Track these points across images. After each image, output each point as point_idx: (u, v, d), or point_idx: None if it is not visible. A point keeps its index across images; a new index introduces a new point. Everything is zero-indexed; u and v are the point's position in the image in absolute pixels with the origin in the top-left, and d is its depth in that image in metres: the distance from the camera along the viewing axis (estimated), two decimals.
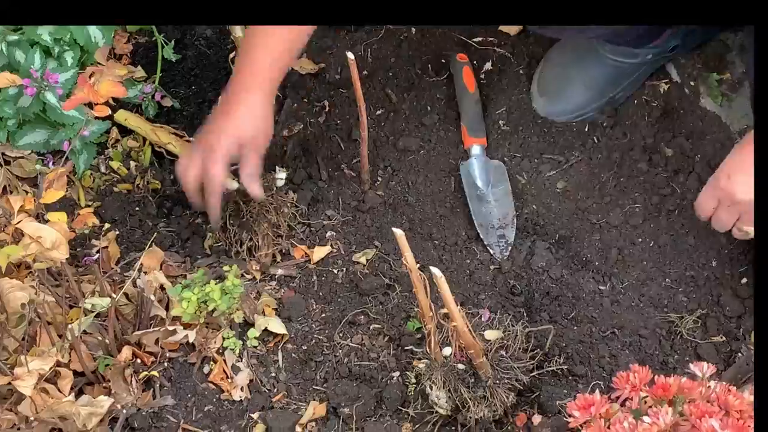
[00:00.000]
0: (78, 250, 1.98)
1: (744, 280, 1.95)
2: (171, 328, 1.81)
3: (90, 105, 2.00)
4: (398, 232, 1.56)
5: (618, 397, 1.43)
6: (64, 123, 2.03)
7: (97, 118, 1.74)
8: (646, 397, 1.41)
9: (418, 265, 1.58)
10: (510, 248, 2.04)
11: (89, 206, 2.03)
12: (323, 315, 1.95)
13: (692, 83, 2.18)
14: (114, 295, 1.73)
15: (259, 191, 1.92)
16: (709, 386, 1.43)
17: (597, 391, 1.43)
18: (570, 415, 1.41)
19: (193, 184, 1.90)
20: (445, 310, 1.63)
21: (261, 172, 1.93)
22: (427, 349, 1.75)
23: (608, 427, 1.36)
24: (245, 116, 1.89)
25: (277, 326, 1.89)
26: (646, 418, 1.35)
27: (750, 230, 1.79)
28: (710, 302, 1.95)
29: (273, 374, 1.85)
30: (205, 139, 1.90)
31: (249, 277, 1.97)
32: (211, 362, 1.85)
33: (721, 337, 1.90)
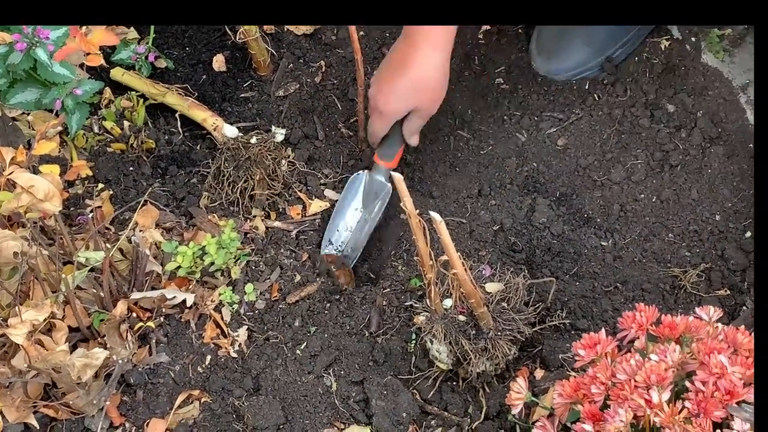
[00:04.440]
0: (71, 210, 1.95)
1: (748, 234, 1.92)
2: (168, 290, 1.78)
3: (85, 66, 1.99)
4: (397, 176, 1.53)
5: (624, 337, 1.40)
6: (55, 81, 1.98)
7: (89, 69, 1.70)
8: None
9: (418, 212, 1.55)
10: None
11: (88, 160, 2.00)
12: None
13: (693, 39, 2.15)
14: (107, 250, 1.69)
15: (416, 142, 1.99)
16: (716, 326, 1.40)
17: (603, 329, 1.40)
18: (575, 355, 1.38)
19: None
20: (445, 257, 1.59)
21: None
22: (428, 301, 1.72)
23: (614, 366, 1.33)
24: (424, 83, 1.87)
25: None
26: (653, 356, 1.32)
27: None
28: (714, 256, 1.92)
29: (272, 330, 1.82)
30: (380, 96, 1.90)
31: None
32: (208, 319, 1.82)
33: (726, 291, 1.87)
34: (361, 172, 2.03)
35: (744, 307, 1.85)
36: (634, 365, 1.31)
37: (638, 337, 1.38)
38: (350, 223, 2.01)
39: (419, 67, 1.85)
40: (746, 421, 1.25)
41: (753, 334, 1.31)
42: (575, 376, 1.41)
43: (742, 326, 1.37)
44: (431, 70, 1.86)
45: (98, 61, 1.71)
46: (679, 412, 1.25)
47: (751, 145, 2.01)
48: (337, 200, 2.03)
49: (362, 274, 1.99)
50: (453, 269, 1.59)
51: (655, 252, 1.94)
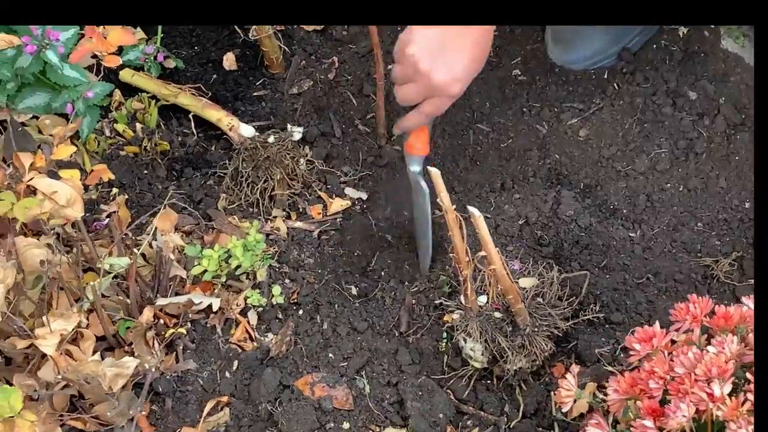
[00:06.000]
0: (87, 215, 1.89)
1: None
2: (194, 295, 1.73)
3: (92, 68, 1.93)
4: (434, 171, 1.49)
5: (678, 330, 1.36)
6: (66, 84, 1.93)
7: (106, 70, 1.65)
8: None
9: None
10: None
11: (101, 163, 1.95)
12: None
13: (712, 25, 2.12)
14: (132, 256, 1.64)
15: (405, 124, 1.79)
16: None
17: (657, 323, 1.36)
18: (630, 350, 1.35)
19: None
20: (481, 253, 1.56)
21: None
22: (462, 299, 1.68)
23: (672, 360, 1.29)
24: (455, 64, 1.64)
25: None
26: (711, 348, 1.28)
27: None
28: (745, 244, 1.89)
29: (301, 333, 1.78)
30: (406, 69, 1.67)
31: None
32: (233, 324, 1.77)
33: None
34: (422, 183, 1.84)
35: None
36: (692, 358, 1.27)
37: (692, 330, 1.35)
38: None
39: (482, 38, 1.66)
40: None
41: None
42: (617, 373, 1.38)
43: None
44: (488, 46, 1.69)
45: (117, 61, 1.66)
46: (742, 405, 1.22)
47: None
48: (361, 199, 1.99)
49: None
50: (491, 265, 1.56)
51: (685, 242, 1.91)
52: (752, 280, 1.84)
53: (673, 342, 1.39)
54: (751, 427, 1.20)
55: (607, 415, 1.36)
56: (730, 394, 1.24)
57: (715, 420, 1.24)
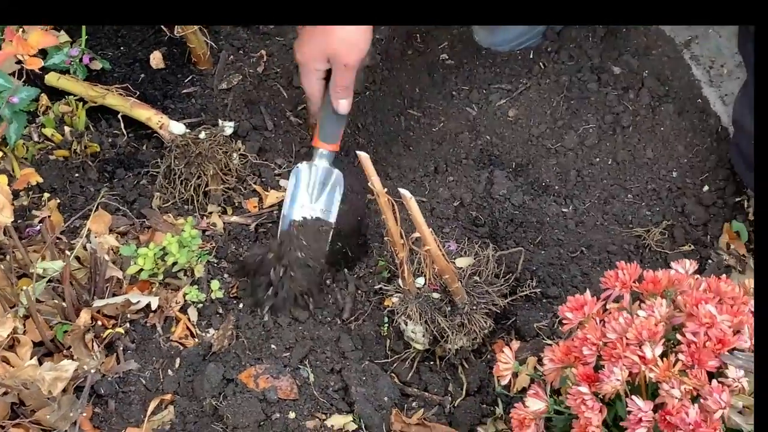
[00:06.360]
0: (19, 222, 1.87)
1: (706, 188, 1.94)
2: (131, 295, 1.72)
3: (15, 74, 1.90)
4: (363, 155, 1.50)
5: (608, 298, 1.39)
6: None
7: (31, 74, 1.62)
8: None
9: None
10: None
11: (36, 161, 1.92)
12: None
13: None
14: (65, 259, 1.63)
15: (343, 108, 1.81)
16: (696, 278, 1.40)
17: (587, 291, 1.39)
18: (563, 319, 1.37)
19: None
20: (416, 235, 1.57)
21: (354, 88, 1.82)
22: (400, 281, 1.70)
23: (603, 326, 1.32)
24: (336, 29, 1.71)
25: None
26: (641, 312, 1.31)
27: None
28: (675, 213, 1.93)
29: (243, 326, 1.77)
30: (297, 50, 1.79)
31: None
32: (173, 322, 1.77)
33: (690, 246, 1.89)
34: (298, 165, 1.89)
35: (709, 261, 1.87)
36: (623, 323, 1.30)
37: (622, 296, 1.37)
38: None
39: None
40: (740, 368, 1.25)
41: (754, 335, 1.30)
42: (553, 344, 1.40)
43: (724, 276, 1.37)
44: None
45: (39, 63, 1.64)
46: (674, 366, 1.25)
47: (700, 101, 2.03)
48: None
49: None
50: (426, 246, 1.57)
51: (616, 214, 1.94)
52: (683, 248, 1.88)
53: (605, 310, 1.42)
54: (684, 387, 1.23)
55: (545, 386, 1.38)
56: (661, 356, 1.26)
57: (648, 382, 1.27)
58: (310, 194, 1.89)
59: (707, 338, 1.26)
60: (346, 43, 1.72)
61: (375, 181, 1.51)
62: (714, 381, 1.23)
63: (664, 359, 1.26)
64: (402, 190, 1.49)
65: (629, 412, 1.24)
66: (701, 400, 1.22)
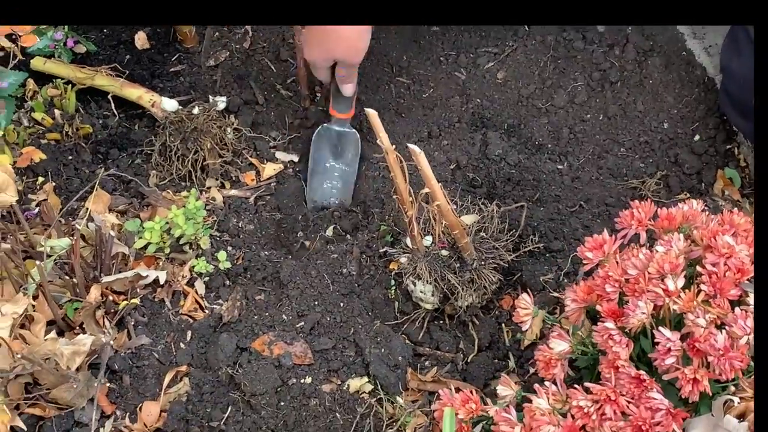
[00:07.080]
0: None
1: (697, 137, 1.97)
2: (140, 269, 1.71)
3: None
4: (371, 112, 1.51)
5: (625, 236, 1.41)
6: None
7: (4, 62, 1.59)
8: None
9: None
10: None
11: (29, 146, 1.90)
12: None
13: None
14: (75, 235, 1.61)
15: (349, 91, 1.92)
16: (707, 214, 1.43)
17: (605, 230, 1.41)
18: (584, 259, 1.39)
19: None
20: (425, 191, 1.58)
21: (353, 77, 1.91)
22: (408, 241, 1.70)
23: (623, 263, 1.33)
24: (338, 32, 1.78)
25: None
26: (659, 247, 1.33)
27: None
28: (668, 163, 1.96)
29: (253, 296, 1.77)
30: (306, 52, 1.86)
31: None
32: (181, 296, 1.76)
33: (685, 194, 1.92)
34: (321, 127, 1.99)
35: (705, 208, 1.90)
36: (644, 259, 1.32)
37: (638, 234, 1.39)
38: (329, 178, 1.98)
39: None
40: None
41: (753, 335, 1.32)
42: (559, 295, 1.42)
43: (736, 209, 1.40)
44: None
45: (34, 40, 1.62)
46: (696, 296, 1.27)
47: (685, 53, 2.06)
48: (293, 161, 1.99)
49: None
50: (435, 201, 1.58)
51: (611, 167, 1.97)
52: (678, 196, 1.91)
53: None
54: (709, 316, 1.25)
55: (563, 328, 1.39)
56: (683, 288, 1.29)
57: (672, 314, 1.29)
58: (333, 152, 1.98)
59: (727, 268, 1.29)
60: (349, 47, 1.81)
61: (384, 138, 1.51)
62: (737, 308, 1.26)
63: (686, 291, 1.28)
64: (411, 146, 1.49)
65: (656, 344, 1.26)
66: (726, 327, 1.24)
